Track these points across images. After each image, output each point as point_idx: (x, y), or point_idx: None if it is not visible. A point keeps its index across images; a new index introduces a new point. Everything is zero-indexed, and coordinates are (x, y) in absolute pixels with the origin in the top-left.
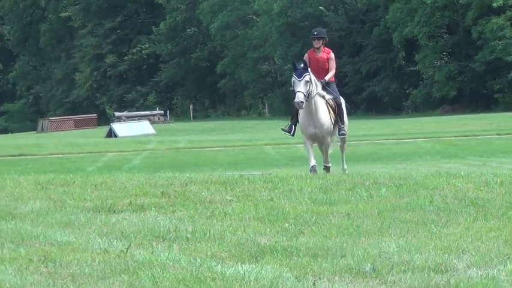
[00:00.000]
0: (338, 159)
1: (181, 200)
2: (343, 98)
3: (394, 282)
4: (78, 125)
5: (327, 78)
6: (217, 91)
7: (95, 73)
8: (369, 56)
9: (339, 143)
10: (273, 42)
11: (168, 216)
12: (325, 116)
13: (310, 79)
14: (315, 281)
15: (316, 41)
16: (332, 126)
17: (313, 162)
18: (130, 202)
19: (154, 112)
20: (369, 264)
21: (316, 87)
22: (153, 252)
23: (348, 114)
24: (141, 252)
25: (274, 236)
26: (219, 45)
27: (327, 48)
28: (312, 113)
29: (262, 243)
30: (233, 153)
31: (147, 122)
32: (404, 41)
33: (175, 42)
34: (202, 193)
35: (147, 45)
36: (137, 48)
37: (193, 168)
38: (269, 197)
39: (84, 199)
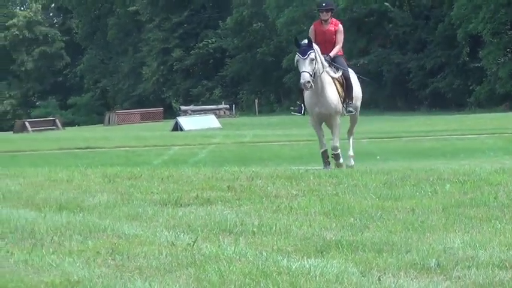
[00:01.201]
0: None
1: (247, 194)
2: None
3: (459, 278)
4: (145, 118)
5: (332, 54)
6: (282, 86)
7: (162, 67)
8: (433, 52)
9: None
10: None
11: (234, 210)
12: (333, 94)
13: (316, 56)
14: (380, 276)
15: (324, 13)
16: (340, 103)
17: (325, 146)
18: (197, 196)
19: (220, 106)
20: (433, 260)
21: (323, 66)
22: (219, 245)
23: (412, 110)
24: (208, 246)
25: (340, 230)
26: (285, 40)
27: (334, 20)
28: (318, 91)
29: (327, 238)
30: (297, 148)
31: (213, 116)
32: (469, 38)
33: (241, 37)
34: (268, 187)
35: (213, 40)
36: (204, 42)
37: (258, 162)
38: (334, 192)
39: (151, 192)
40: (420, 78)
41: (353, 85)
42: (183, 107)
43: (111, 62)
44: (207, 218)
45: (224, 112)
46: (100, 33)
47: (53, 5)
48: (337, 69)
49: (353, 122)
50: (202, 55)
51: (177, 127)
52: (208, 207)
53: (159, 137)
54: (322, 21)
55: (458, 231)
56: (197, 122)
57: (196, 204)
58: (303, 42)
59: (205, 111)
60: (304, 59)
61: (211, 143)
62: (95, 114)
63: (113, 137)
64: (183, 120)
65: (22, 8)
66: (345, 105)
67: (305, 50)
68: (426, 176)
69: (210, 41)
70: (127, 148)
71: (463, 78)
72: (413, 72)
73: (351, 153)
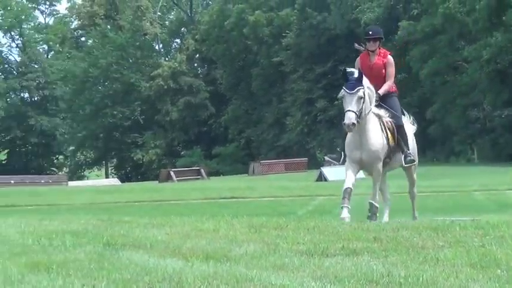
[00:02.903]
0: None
1: (393, 245)
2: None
3: None
4: (289, 168)
5: (381, 91)
6: (426, 137)
7: (306, 117)
8: None
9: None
10: (482, 89)
11: (380, 261)
12: (377, 137)
13: (365, 94)
14: None
15: (371, 42)
16: (384, 150)
17: (349, 184)
18: (343, 246)
19: None
20: None
21: (371, 103)
22: None
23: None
24: None
25: (487, 282)
26: (429, 91)
27: (383, 51)
28: (361, 132)
29: None
30: (442, 199)
31: None
32: None
33: None
34: (414, 238)
35: None
36: None
37: (401, 213)
38: (481, 243)
39: (298, 243)
40: None
41: (408, 134)
42: (327, 158)
43: (255, 112)
44: (354, 269)
45: None
46: (244, 84)
47: (197, 55)
48: (386, 111)
49: (411, 183)
50: None
51: (321, 177)
52: (355, 258)
53: (304, 187)
54: (369, 53)
55: None
56: (341, 172)
57: (342, 254)
58: (350, 75)
59: None
60: (352, 94)
61: (355, 194)
62: (240, 164)
63: (257, 187)
64: (327, 171)
65: (167, 59)
66: (402, 156)
67: (354, 85)
68: None
69: None
70: (272, 198)
71: None
72: None
73: (416, 214)
